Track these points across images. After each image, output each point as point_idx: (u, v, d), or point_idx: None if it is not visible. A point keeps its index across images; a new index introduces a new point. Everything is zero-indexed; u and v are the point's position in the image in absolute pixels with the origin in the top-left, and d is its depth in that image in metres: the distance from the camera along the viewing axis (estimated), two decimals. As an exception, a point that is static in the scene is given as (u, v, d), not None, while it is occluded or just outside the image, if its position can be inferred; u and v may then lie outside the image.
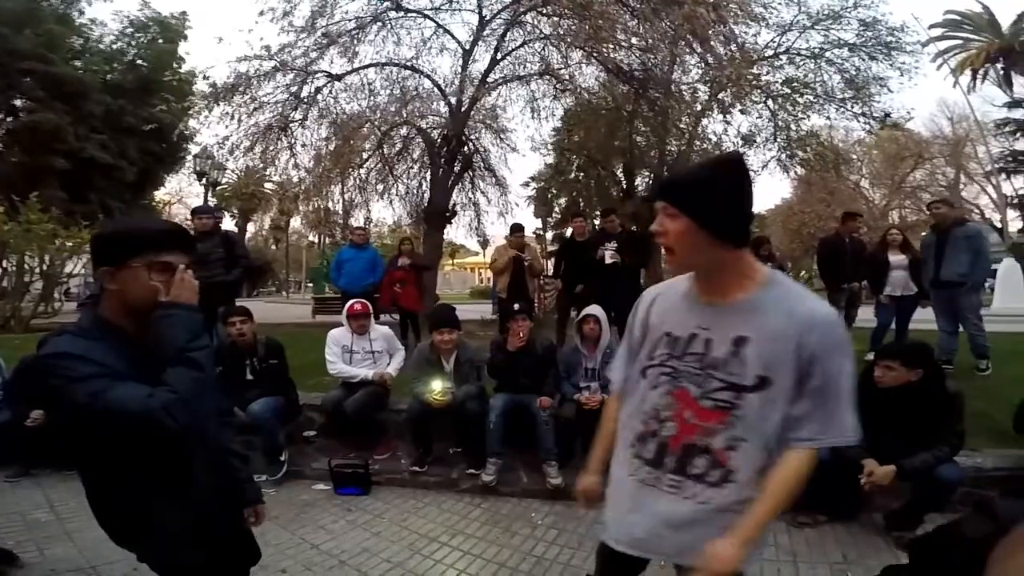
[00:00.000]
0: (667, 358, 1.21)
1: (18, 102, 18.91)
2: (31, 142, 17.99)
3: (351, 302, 4.23)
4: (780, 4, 10.07)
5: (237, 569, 1.55)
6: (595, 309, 3.92)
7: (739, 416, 1.12)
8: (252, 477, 1.59)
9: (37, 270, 10.05)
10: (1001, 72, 26.61)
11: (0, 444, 3.61)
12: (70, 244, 10.15)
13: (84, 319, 1.26)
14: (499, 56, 9.90)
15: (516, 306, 3.95)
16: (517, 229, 6.51)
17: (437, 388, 3.69)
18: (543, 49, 10.00)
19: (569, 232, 6.73)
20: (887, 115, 10.28)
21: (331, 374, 4.17)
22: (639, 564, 1.39)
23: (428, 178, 11.19)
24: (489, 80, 9.97)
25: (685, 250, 1.13)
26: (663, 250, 1.19)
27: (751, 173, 1.18)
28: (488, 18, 9.77)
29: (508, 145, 12.28)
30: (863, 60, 10.12)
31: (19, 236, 9.47)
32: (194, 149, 14.85)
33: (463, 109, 9.83)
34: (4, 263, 10.02)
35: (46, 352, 1.14)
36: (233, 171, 12.07)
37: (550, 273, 6.90)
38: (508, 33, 9.80)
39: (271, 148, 10.12)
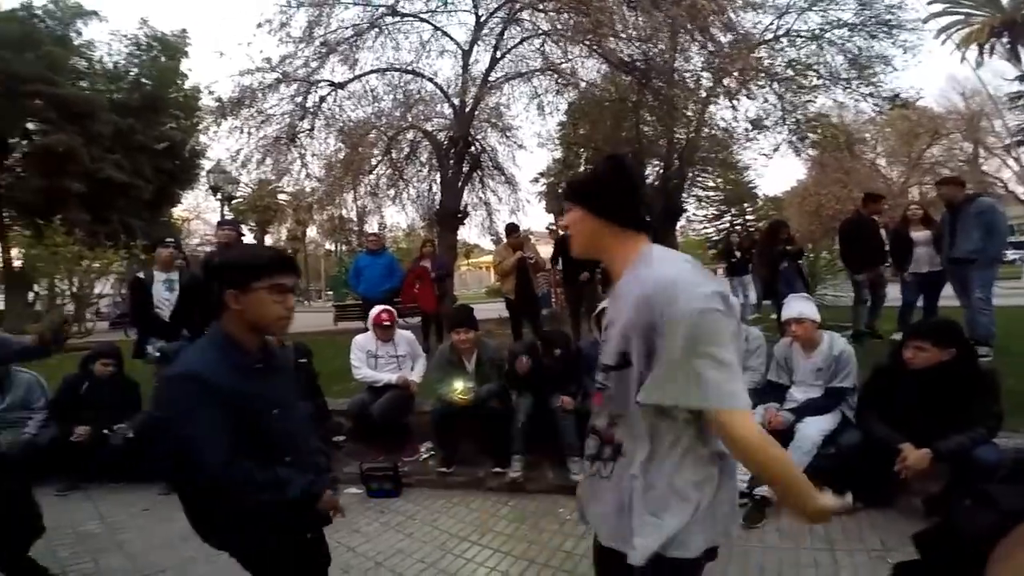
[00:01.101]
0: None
1: (31, 125, 19.27)
2: (48, 165, 18.35)
3: (378, 311, 4.31)
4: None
5: (318, 567, 1.72)
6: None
7: (610, 396, 1.20)
8: (330, 468, 1.72)
9: (67, 292, 10.33)
10: (1007, 46, 25.93)
11: (47, 459, 3.76)
12: (97, 265, 10.42)
13: (214, 331, 1.51)
14: (499, 55, 9.92)
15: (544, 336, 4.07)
16: (513, 230, 6.58)
17: (459, 387, 3.76)
18: (543, 45, 10.01)
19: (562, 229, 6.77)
20: (896, 95, 10.11)
21: (356, 379, 4.27)
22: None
23: (438, 180, 11.26)
24: (491, 79, 9.99)
25: (579, 235, 1.27)
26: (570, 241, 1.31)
27: (628, 164, 1.29)
28: (484, 18, 9.79)
29: (515, 142, 12.32)
30: (864, 39, 9.97)
31: (47, 260, 9.76)
32: (207, 165, 15.10)
33: (467, 110, 9.86)
34: (36, 287, 10.32)
35: (177, 370, 1.42)
36: (247, 184, 12.25)
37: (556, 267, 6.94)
38: (506, 31, 9.82)
39: (282, 160, 10.27)
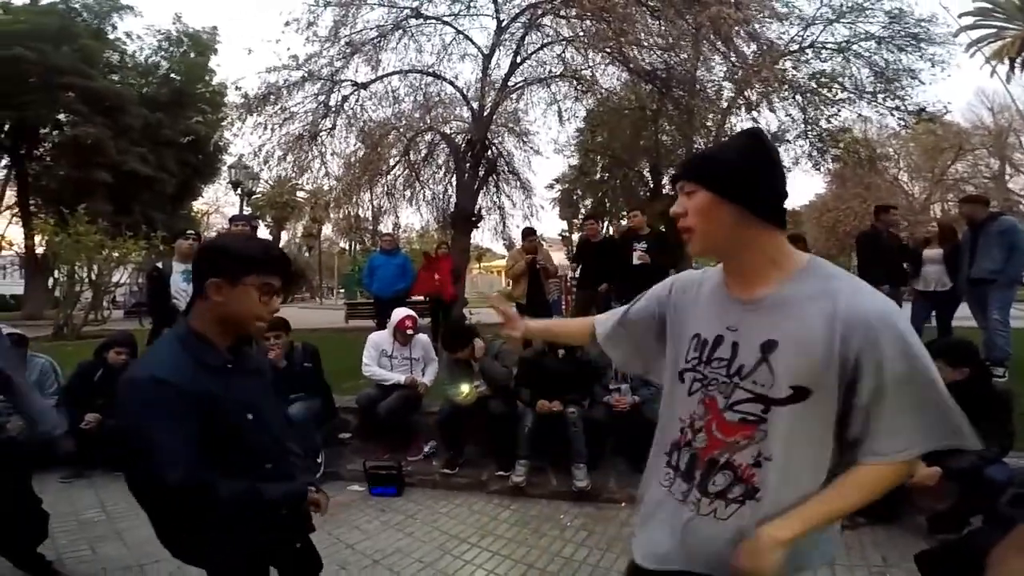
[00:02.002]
0: (697, 362, 1.09)
1: (62, 116, 19.76)
2: (76, 156, 18.82)
3: (402, 316, 4.25)
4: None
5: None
6: None
7: (767, 431, 0.98)
8: (310, 469, 1.67)
9: (86, 280, 10.54)
10: None
11: (55, 446, 3.81)
12: (116, 254, 10.63)
13: (180, 328, 1.39)
14: (519, 60, 9.96)
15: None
16: (529, 233, 6.62)
17: (466, 389, 3.77)
18: (563, 51, 10.04)
19: (583, 235, 6.79)
20: (922, 110, 9.95)
21: (365, 376, 4.29)
22: None
23: (454, 183, 11.30)
24: (510, 84, 10.04)
25: (705, 227, 1.01)
26: (684, 235, 1.06)
27: (772, 143, 1.04)
28: (506, 23, 9.85)
29: (531, 148, 12.32)
30: (892, 52, 9.84)
31: (69, 247, 9.97)
32: (229, 160, 15.36)
33: (486, 113, 9.90)
34: (56, 273, 10.55)
35: (140, 373, 1.28)
36: (266, 181, 12.44)
37: (568, 275, 6.97)
38: (527, 37, 9.86)
39: (303, 157, 10.39)
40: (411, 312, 4.39)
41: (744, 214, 0.97)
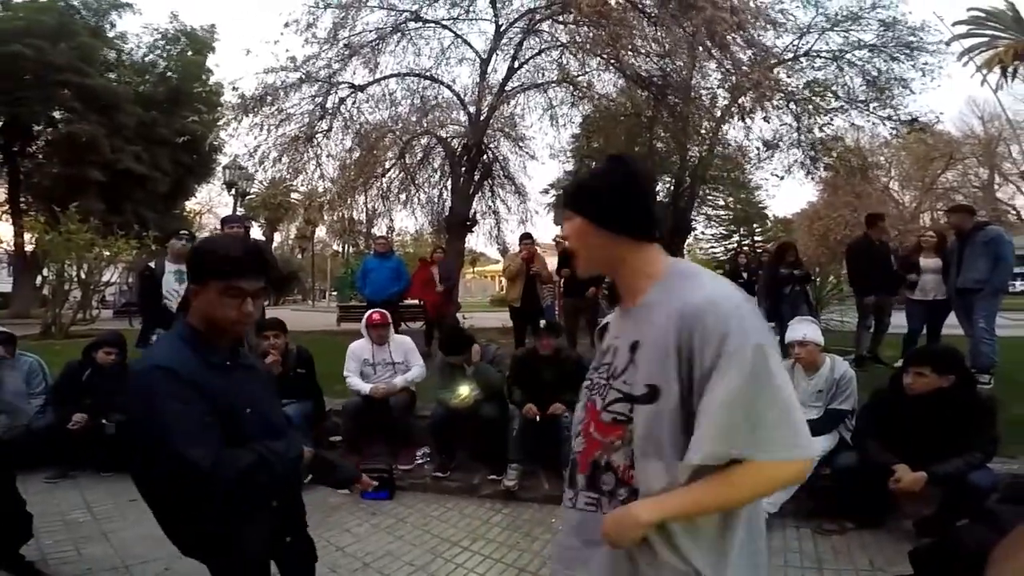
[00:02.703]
0: (591, 370, 1.16)
1: (56, 114, 19.61)
2: (69, 153, 18.68)
3: (370, 312, 4.29)
4: (797, 7, 10.00)
5: (303, 568, 1.70)
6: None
7: (633, 430, 1.00)
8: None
9: (75, 278, 10.45)
10: None
11: (42, 447, 3.77)
12: (107, 253, 10.55)
13: (179, 326, 1.45)
14: (516, 65, 10.03)
15: (543, 323, 4.00)
16: (526, 238, 6.61)
17: (463, 392, 3.78)
18: (560, 57, 10.10)
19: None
20: (914, 119, 10.07)
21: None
22: None
23: (449, 187, 11.33)
24: (507, 88, 10.09)
25: (584, 250, 1.11)
26: (572, 258, 1.17)
27: (638, 166, 1.12)
28: (504, 28, 9.90)
29: (527, 153, 12.40)
30: (885, 61, 9.96)
31: (59, 245, 9.88)
32: (224, 160, 15.29)
33: (482, 118, 9.95)
34: (45, 272, 10.45)
35: (147, 364, 1.35)
36: (261, 182, 12.40)
37: (560, 280, 7.00)
38: (525, 42, 9.92)
39: (298, 159, 10.38)
40: (377, 308, 4.37)
41: (613, 234, 1.06)
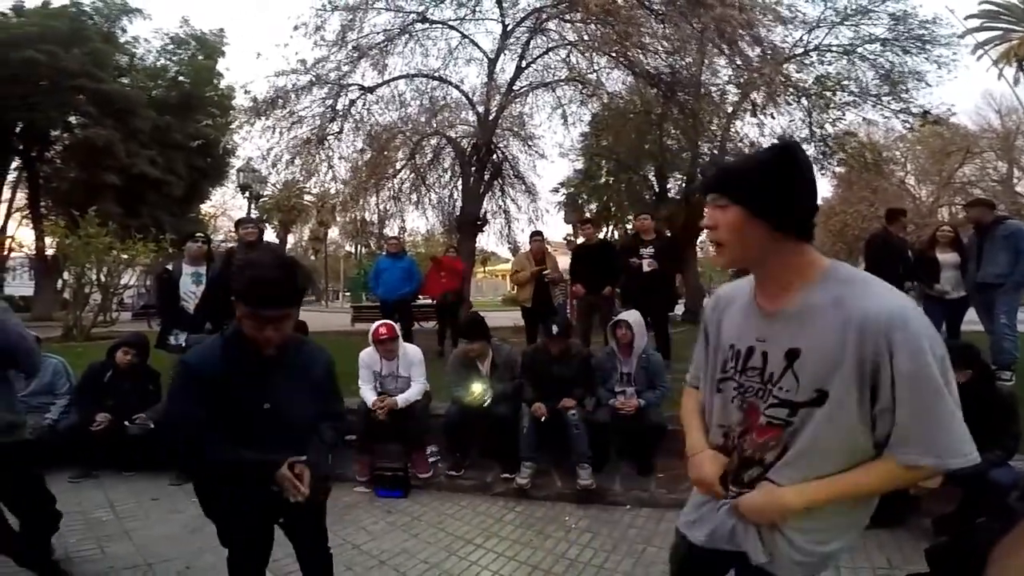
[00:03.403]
0: (734, 372, 1.17)
1: (72, 119, 19.89)
2: (86, 158, 18.97)
3: (376, 325, 4.10)
4: (806, 1, 9.92)
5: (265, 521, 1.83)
6: (629, 315, 3.92)
7: (792, 434, 1.05)
8: (328, 450, 1.80)
9: (95, 282, 10.63)
10: None
11: (66, 446, 3.86)
12: (125, 256, 10.72)
13: (230, 328, 1.67)
14: (524, 64, 10.02)
15: (555, 328, 3.90)
16: (536, 235, 6.59)
17: (478, 391, 3.80)
18: (568, 55, 10.07)
19: (581, 239, 6.78)
20: (927, 112, 9.92)
21: None
22: (719, 564, 1.29)
23: (459, 187, 11.36)
24: (515, 88, 10.09)
25: (736, 242, 1.05)
26: (713, 246, 1.11)
27: (806, 156, 1.07)
28: (511, 27, 9.90)
29: (536, 152, 12.37)
30: (897, 55, 9.83)
31: (79, 249, 10.07)
32: (237, 163, 15.47)
33: (491, 117, 9.96)
34: (65, 275, 10.64)
35: (182, 356, 1.74)
36: (274, 184, 12.54)
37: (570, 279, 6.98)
38: (532, 41, 9.91)
39: (310, 161, 10.47)
40: (385, 321, 4.21)
41: (773, 230, 1.01)
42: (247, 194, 11.86)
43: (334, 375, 1.91)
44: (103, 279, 10.63)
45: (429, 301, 8.11)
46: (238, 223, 5.64)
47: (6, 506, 2.37)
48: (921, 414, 0.94)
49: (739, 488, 1.15)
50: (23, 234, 22.22)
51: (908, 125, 10.42)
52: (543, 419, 3.65)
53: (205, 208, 29.11)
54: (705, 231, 1.11)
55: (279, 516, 1.80)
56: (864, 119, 10.50)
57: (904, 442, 0.97)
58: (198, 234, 4.81)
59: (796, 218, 1.02)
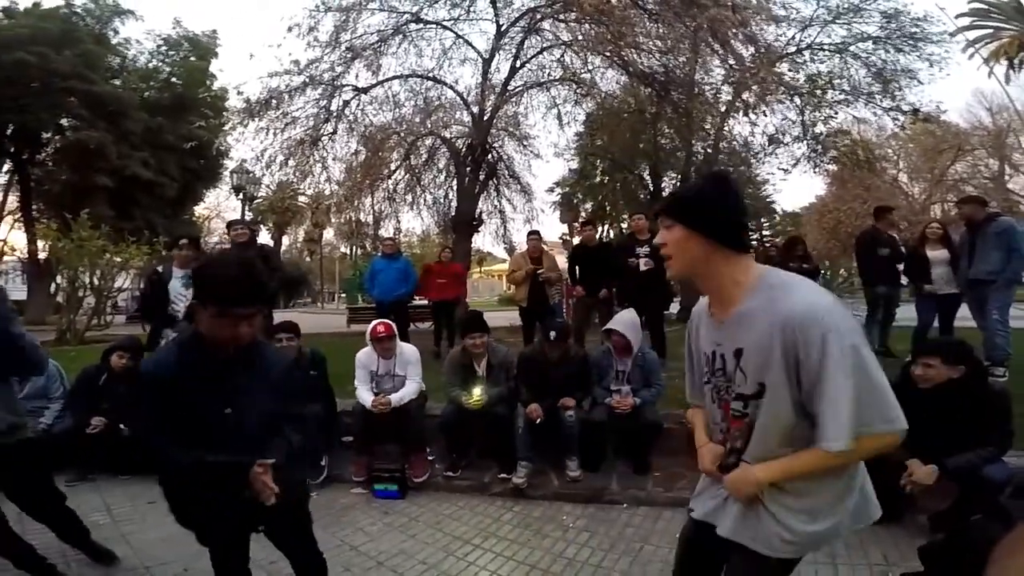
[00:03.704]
0: (710, 376, 1.34)
1: (64, 121, 19.76)
2: (78, 160, 18.84)
3: (374, 324, 4.11)
4: (799, 0, 9.98)
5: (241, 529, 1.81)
6: (624, 319, 3.90)
7: (750, 423, 1.22)
8: (293, 451, 1.76)
9: (88, 285, 10.57)
10: None
11: (61, 449, 3.84)
12: (119, 259, 10.66)
13: (186, 331, 1.67)
14: (518, 64, 10.04)
15: (552, 334, 3.88)
16: (533, 234, 6.59)
17: (476, 392, 3.80)
18: (563, 55, 10.09)
19: (578, 240, 6.80)
20: (916, 110, 10.00)
21: None
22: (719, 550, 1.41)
23: (454, 187, 11.35)
24: (510, 88, 10.10)
25: (681, 256, 1.24)
26: (665, 262, 1.30)
27: (735, 184, 1.30)
28: (505, 27, 9.90)
29: (531, 152, 12.39)
30: (889, 53, 9.91)
31: (72, 252, 10.00)
32: (230, 164, 15.40)
33: (485, 118, 9.96)
34: (59, 279, 10.57)
35: (144, 364, 1.75)
36: (268, 186, 12.51)
37: (567, 279, 6.98)
38: (526, 41, 9.92)
39: (304, 162, 10.45)
40: (383, 320, 4.21)
41: (712, 243, 1.19)
42: (241, 196, 11.81)
43: (293, 376, 1.93)
44: (96, 282, 10.56)
45: (425, 302, 8.10)
46: (229, 225, 5.69)
47: (25, 511, 2.38)
48: (821, 400, 1.08)
49: (727, 473, 1.31)
50: (15, 237, 22.09)
51: (899, 123, 10.49)
52: (538, 421, 3.66)
53: (199, 210, 29.04)
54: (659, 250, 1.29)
55: (257, 524, 1.78)
56: (855, 117, 10.57)
57: (817, 430, 1.11)
58: (182, 240, 4.80)
59: (729, 232, 1.20)
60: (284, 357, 1.91)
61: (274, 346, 1.96)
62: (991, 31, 25.48)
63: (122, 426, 3.93)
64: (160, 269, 4.67)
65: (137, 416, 1.78)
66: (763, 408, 1.18)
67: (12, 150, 20.10)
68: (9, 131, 19.37)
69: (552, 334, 3.87)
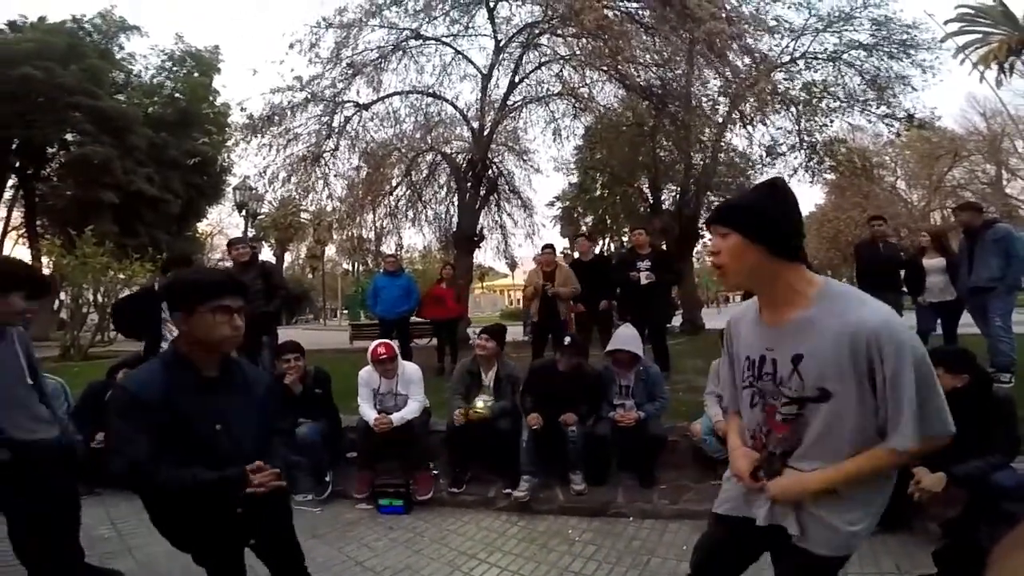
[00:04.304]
0: (753, 380, 1.34)
1: (68, 136, 19.82)
2: (83, 176, 18.90)
3: (374, 345, 4.10)
4: (790, 10, 10.11)
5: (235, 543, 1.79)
6: (625, 335, 3.89)
7: (804, 427, 1.23)
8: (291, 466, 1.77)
9: (92, 301, 10.61)
10: None
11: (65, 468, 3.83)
12: (122, 276, 10.71)
13: (168, 349, 1.65)
14: (517, 79, 10.16)
15: (567, 339, 3.97)
16: (546, 248, 6.61)
17: (480, 404, 3.82)
18: (561, 70, 10.22)
19: (577, 254, 6.82)
20: (911, 116, 10.09)
21: None
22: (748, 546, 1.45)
23: (455, 203, 11.42)
24: (509, 103, 10.21)
25: (737, 266, 1.23)
26: (716, 270, 1.30)
27: (792, 191, 1.29)
28: (503, 42, 10.03)
29: (531, 166, 12.52)
30: (882, 60, 10.01)
31: (76, 269, 10.06)
32: (233, 181, 15.51)
33: (485, 133, 10.06)
34: (63, 295, 10.62)
35: (121, 382, 1.64)
36: (270, 202, 12.58)
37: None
38: (524, 56, 10.05)
39: (307, 178, 10.52)
40: (384, 340, 4.21)
41: (768, 253, 1.20)
42: (243, 212, 11.88)
43: (276, 392, 1.95)
44: (100, 299, 10.61)
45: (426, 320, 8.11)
46: (230, 243, 5.60)
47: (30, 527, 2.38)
48: (897, 405, 1.13)
49: (771, 479, 1.31)
50: (19, 253, 22.16)
51: (894, 130, 10.57)
52: (535, 427, 3.65)
53: (202, 227, 29.12)
54: (709, 257, 1.30)
55: (249, 538, 1.78)
56: (851, 124, 10.66)
57: (889, 431, 1.15)
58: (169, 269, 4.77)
59: (787, 242, 1.20)
60: (265, 375, 1.91)
61: (252, 365, 1.96)
62: (980, 36, 25.72)
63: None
64: (156, 286, 4.66)
65: (115, 434, 1.54)
66: (824, 412, 1.19)
67: (17, 165, 20.18)
68: (14, 146, 19.42)
69: (567, 339, 3.90)
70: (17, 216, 21.76)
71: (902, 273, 5.56)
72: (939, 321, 5.34)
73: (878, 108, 10.15)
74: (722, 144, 11.26)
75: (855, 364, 1.13)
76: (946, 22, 23.80)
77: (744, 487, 1.40)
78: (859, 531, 1.25)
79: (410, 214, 12.30)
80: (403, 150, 10.79)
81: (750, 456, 1.38)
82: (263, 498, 1.59)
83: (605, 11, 8.19)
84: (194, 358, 1.59)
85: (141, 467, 1.49)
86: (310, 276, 43.29)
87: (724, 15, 8.14)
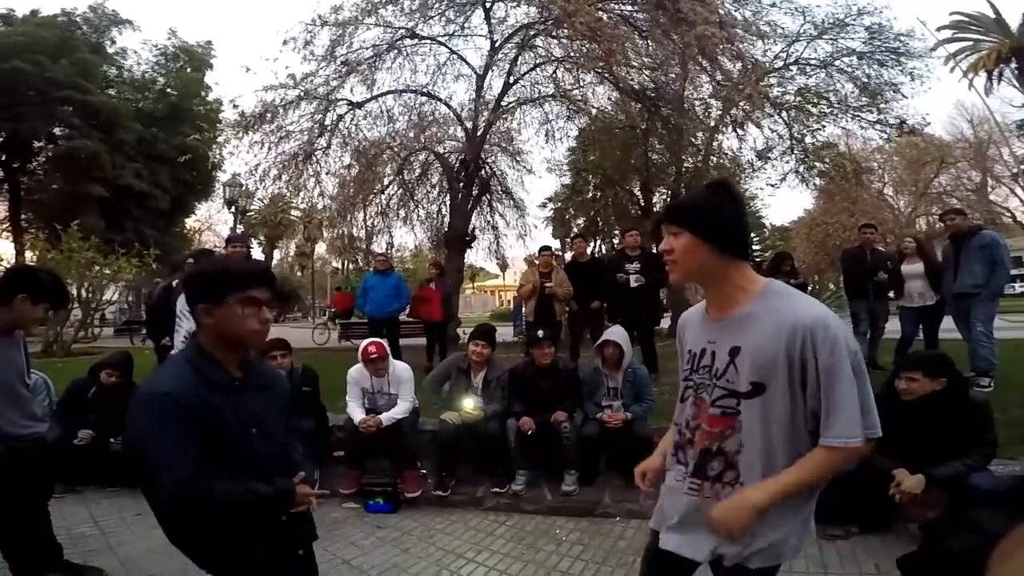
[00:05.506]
0: (689, 372, 1.35)
1: (57, 130, 19.63)
2: (70, 170, 18.68)
3: (365, 344, 4.04)
4: (785, 16, 10.23)
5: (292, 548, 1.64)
6: (615, 334, 3.95)
7: (741, 421, 1.22)
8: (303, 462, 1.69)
9: (77, 297, 10.46)
10: (1016, 72, 25.89)
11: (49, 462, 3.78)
12: (108, 272, 10.58)
13: (190, 347, 1.49)
14: (512, 80, 10.17)
15: (540, 333, 4.00)
16: (544, 250, 6.62)
17: (468, 405, 3.82)
18: (555, 72, 10.25)
19: (570, 255, 6.84)
20: (902, 122, 10.25)
21: None
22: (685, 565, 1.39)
23: (447, 203, 11.42)
24: (503, 104, 10.22)
25: (688, 262, 1.26)
26: (669, 267, 1.31)
27: (740, 193, 1.31)
28: (499, 43, 10.04)
29: (524, 167, 12.52)
30: (873, 67, 10.15)
31: (61, 264, 9.91)
32: (224, 177, 15.35)
33: (479, 133, 10.05)
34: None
35: (147, 389, 1.42)
36: (261, 199, 12.48)
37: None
38: (519, 57, 10.07)
39: (298, 176, 10.45)
40: (375, 339, 4.16)
41: (717, 251, 1.23)
42: (233, 209, 11.79)
43: (287, 391, 1.87)
44: (85, 295, 10.47)
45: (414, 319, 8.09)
46: (228, 240, 5.58)
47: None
48: (834, 401, 1.13)
49: (701, 480, 1.28)
50: (3, 247, 21.81)
51: (885, 136, 10.73)
52: (529, 432, 3.67)
53: (190, 223, 28.85)
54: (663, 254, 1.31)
55: (298, 547, 1.64)
56: (843, 129, 10.80)
57: (825, 427, 1.14)
58: (189, 258, 4.79)
59: (733, 240, 1.24)
60: (279, 372, 1.84)
61: (268, 362, 1.87)
62: (971, 43, 26.12)
63: (111, 439, 3.90)
64: (174, 284, 4.58)
65: (159, 452, 1.31)
66: (757, 407, 1.20)
67: (3, 158, 19.90)
68: (1, 139, 19.18)
69: (540, 333, 3.92)
70: (1, 210, 21.40)
71: (883, 276, 5.63)
72: (920, 325, 5.42)
73: (870, 114, 10.29)
74: (714, 147, 11.35)
75: (789, 359, 1.15)
76: (939, 28, 24.16)
77: (676, 507, 1.37)
78: (793, 542, 1.25)
79: (401, 213, 12.29)
80: (396, 149, 10.77)
81: (654, 460, 1.42)
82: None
83: (599, 14, 8.23)
84: (218, 355, 1.44)
85: (192, 483, 1.30)
86: (299, 274, 42.97)
87: (717, 19, 8.21)
